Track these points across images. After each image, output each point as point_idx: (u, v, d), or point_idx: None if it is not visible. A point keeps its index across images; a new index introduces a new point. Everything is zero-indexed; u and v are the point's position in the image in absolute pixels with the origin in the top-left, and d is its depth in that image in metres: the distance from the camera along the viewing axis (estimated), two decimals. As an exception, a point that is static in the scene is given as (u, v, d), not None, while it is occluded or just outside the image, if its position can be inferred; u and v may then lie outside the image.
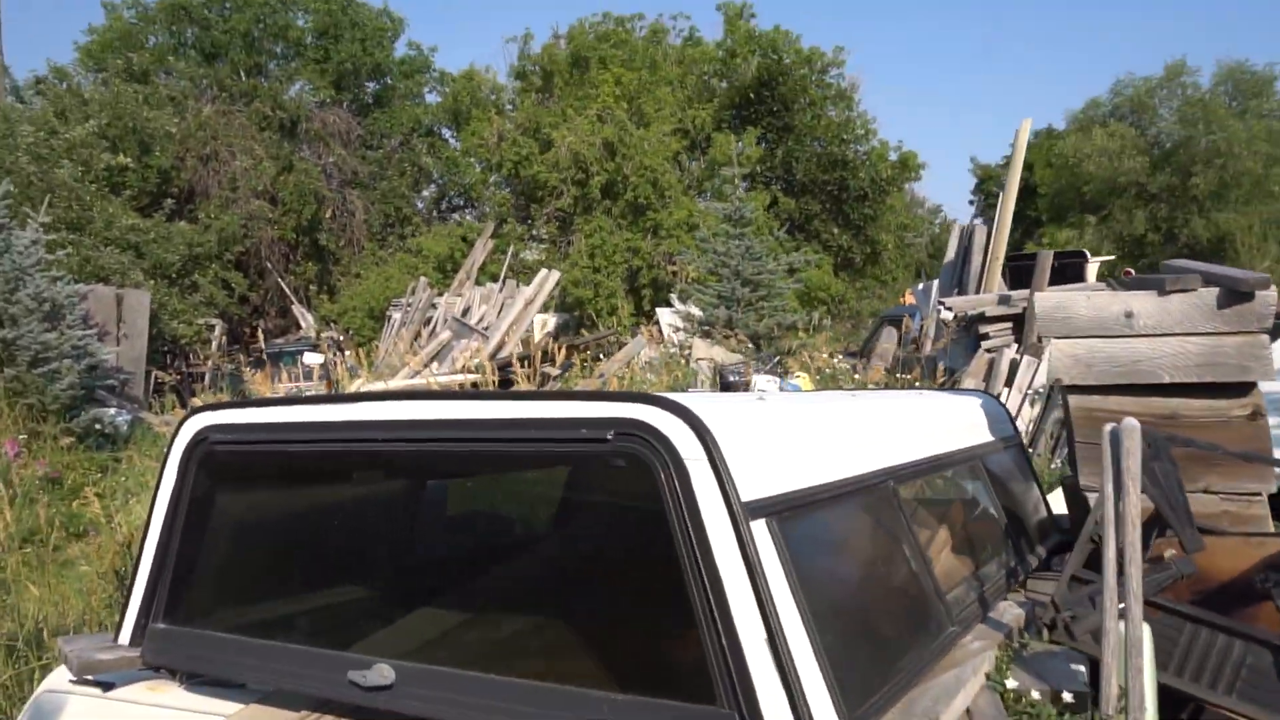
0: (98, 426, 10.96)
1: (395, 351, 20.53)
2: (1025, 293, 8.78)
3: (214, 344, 18.03)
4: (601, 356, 10.05)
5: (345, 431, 2.27)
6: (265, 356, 21.09)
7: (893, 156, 23.55)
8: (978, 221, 10.16)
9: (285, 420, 2.41)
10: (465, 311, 20.67)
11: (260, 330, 26.64)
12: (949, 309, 8.68)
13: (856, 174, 22.29)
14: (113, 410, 11.88)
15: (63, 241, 13.59)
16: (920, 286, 11.80)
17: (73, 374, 10.55)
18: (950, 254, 10.29)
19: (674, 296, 18.62)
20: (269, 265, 25.68)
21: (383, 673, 2.12)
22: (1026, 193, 57.27)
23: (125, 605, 2.68)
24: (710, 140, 20.54)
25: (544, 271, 10.18)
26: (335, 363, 22.34)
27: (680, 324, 14.62)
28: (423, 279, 20.86)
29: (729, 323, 13.55)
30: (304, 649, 2.30)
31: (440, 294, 21.06)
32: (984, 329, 8.26)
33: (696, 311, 15.17)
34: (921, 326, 11.53)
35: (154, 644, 2.58)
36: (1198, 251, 43.36)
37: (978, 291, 9.52)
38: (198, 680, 2.59)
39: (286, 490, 2.63)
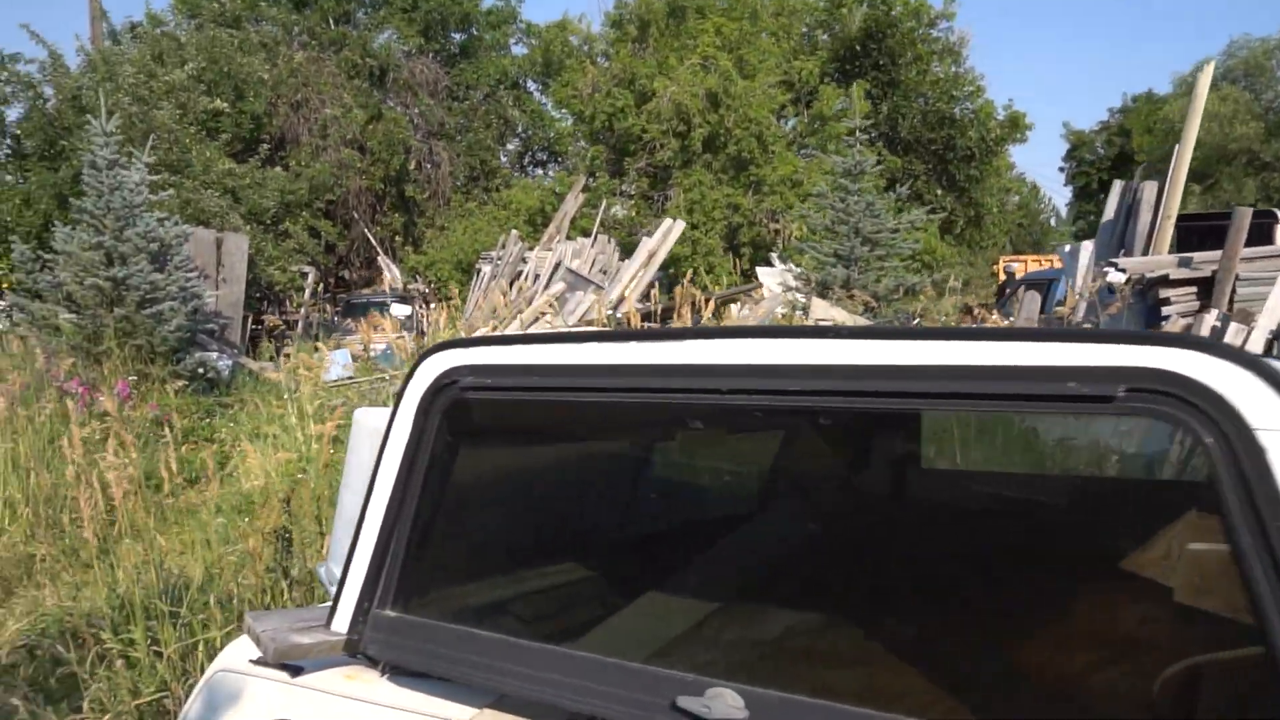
0: (201, 371, 10.72)
1: (486, 304, 20.23)
2: (1211, 255, 7.97)
3: (307, 292, 17.83)
4: (709, 316, 9.47)
5: (669, 378, 1.71)
6: (350, 305, 20.99)
7: (999, 115, 22.41)
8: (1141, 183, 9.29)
9: (578, 362, 1.86)
10: (557, 265, 20.24)
11: (346, 280, 26.62)
12: (1121, 270, 7.89)
13: (965, 133, 21.20)
14: (214, 354, 11.67)
15: (164, 183, 13.37)
16: (1068, 248, 10.96)
17: (180, 316, 10.30)
18: (1110, 213, 9.45)
19: (774, 255, 17.93)
20: (355, 215, 25.50)
21: (729, 701, 1.58)
22: (1122, 160, 55.04)
23: (341, 584, 2.19)
24: (815, 94, 19.66)
25: (668, 221, 9.60)
26: (422, 314, 22.21)
27: (785, 283, 13.96)
28: (514, 232, 20.43)
29: (846, 282, 12.87)
30: (594, 658, 1.78)
31: (530, 247, 20.64)
32: (1165, 293, 7.49)
33: (797, 271, 14.51)
34: (1066, 291, 10.72)
35: (379, 634, 2.09)
36: (1312, 224, 41.12)
37: (1145, 253, 8.71)
38: (401, 670, 2.11)
39: (567, 450, 2.08)
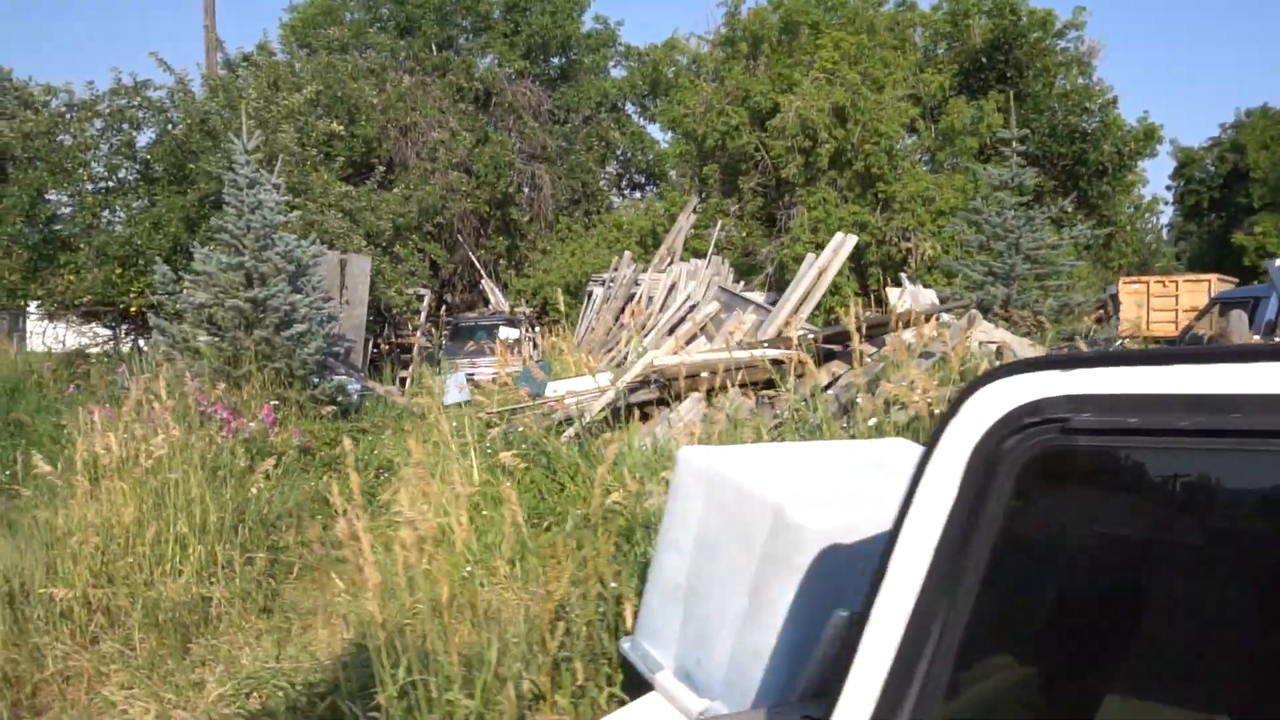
0: (339, 396, 10.34)
1: (599, 326, 19.74)
2: None
3: (423, 314, 17.54)
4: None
5: None
6: (458, 329, 20.68)
7: (1131, 127, 21.20)
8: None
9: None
10: (672, 288, 19.65)
11: (449, 304, 26.44)
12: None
13: (1099, 146, 20.07)
14: (346, 377, 11.30)
15: (291, 205, 13.17)
16: (1278, 264, 9.95)
17: (318, 339, 9.93)
18: (1339, 222, 8.46)
19: (904, 275, 17.07)
20: (460, 239, 25.35)
21: None
22: (1236, 177, 52.70)
23: (840, 680, 1.52)
24: (941, 108, 18.79)
25: (840, 236, 8.90)
26: (530, 338, 21.82)
27: (934, 304, 13.11)
28: (626, 253, 19.93)
29: (1006, 302, 12.00)
30: None
31: (643, 269, 20.11)
32: None
33: (948, 293, 13.58)
34: (1278, 309, 9.70)
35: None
36: None
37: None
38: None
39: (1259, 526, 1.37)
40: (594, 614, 2.87)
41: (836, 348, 7.89)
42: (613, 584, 2.88)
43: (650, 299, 19.67)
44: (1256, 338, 8.88)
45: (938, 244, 16.34)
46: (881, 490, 2.51)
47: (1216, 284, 27.09)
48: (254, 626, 5.03)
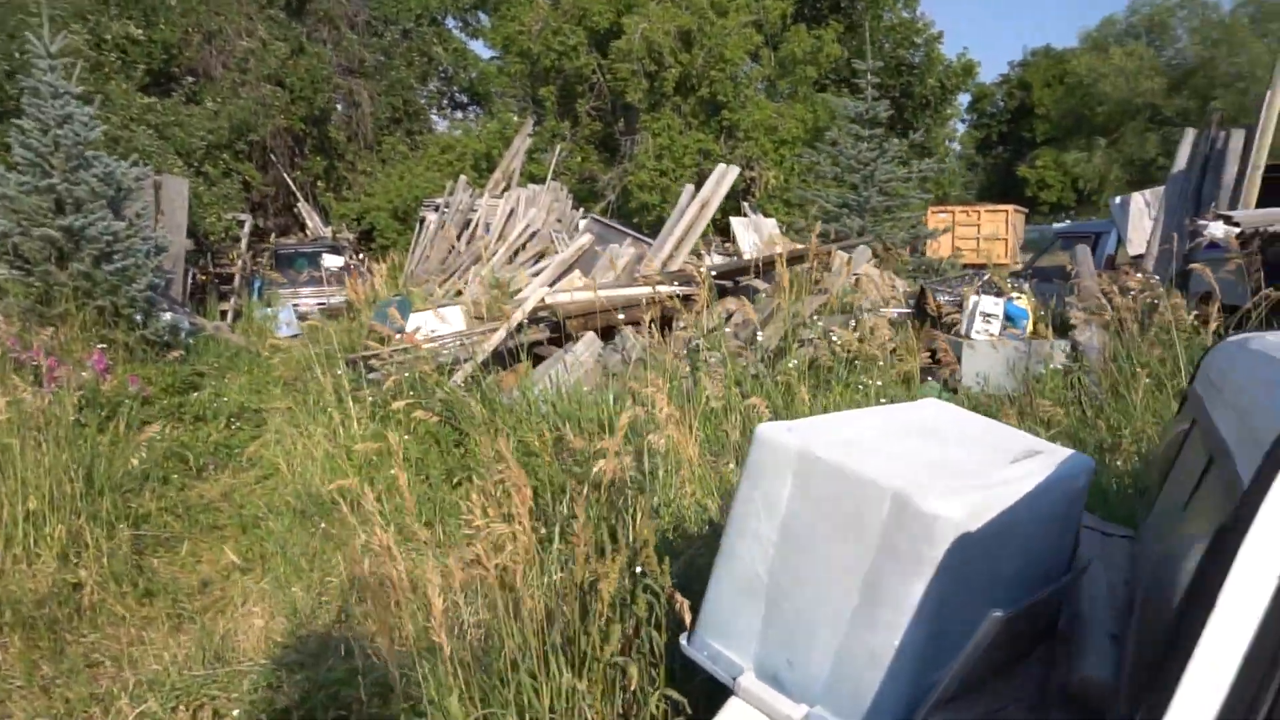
0: (173, 335, 9.30)
1: (434, 254, 18.84)
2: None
3: (243, 242, 16.14)
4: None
5: None
6: (278, 256, 19.23)
7: (950, 60, 22.00)
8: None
9: None
10: (511, 214, 18.98)
11: (261, 229, 24.57)
12: (1235, 224, 7.37)
13: (924, 80, 20.72)
14: (177, 315, 10.21)
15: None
16: (1118, 200, 10.48)
17: (148, 273, 8.84)
18: (1181, 163, 8.95)
19: (746, 205, 17.15)
20: (273, 158, 23.47)
21: None
22: (1022, 113, 56.18)
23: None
24: (781, 36, 18.77)
25: (721, 167, 8.65)
26: (354, 266, 20.61)
27: (773, 235, 13.20)
28: (461, 178, 19.05)
29: (860, 232, 12.19)
30: None
31: (479, 195, 19.30)
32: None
33: (768, 222, 13.72)
34: (1117, 245, 10.26)
35: None
36: (1208, 178, 42.70)
37: (1234, 206, 8.28)
38: None
39: None
40: (644, 610, 2.53)
41: (728, 283, 7.70)
42: (660, 575, 2.55)
43: (488, 226, 18.94)
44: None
45: (780, 173, 16.44)
46: (987, 469, 2.30)
47: (1013, 214, 28.95)
48: (137, 615, 4.38)
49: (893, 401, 6.92)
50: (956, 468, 2.28)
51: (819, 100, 18.40)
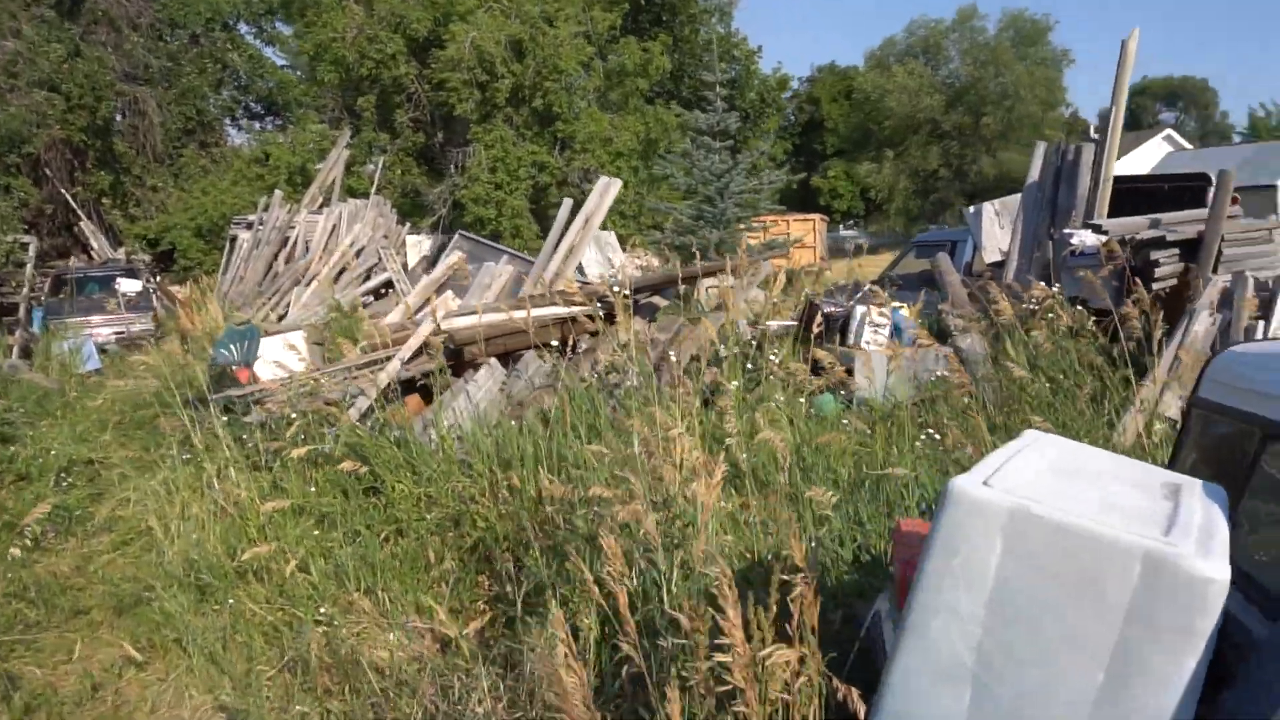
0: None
1: (249, 275, 17.40)
2: (1186, 215, 8.05)
3: (29, 266, 14.31)
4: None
5: None
6: (59, 281, 17.23)
7: (766, 74, 22.61)
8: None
9: None
10: (333, 230, 17.84)
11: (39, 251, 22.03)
12: (1104, 232, 7.73)
13: (744, 93, 21.16)
14: (-29, 356, 8.81)
15: None
16: (971, 210, 10.87)
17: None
18: (1034, 174, 9.36)
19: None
20: (49, 172, 21.13)
21: None
22: (812, 127, 59.03)
23: None
24: (610, 47, 18.62)
25: (604, 180, 8.27)
26: (156, 291, 18.80)
27: (603, 256, 13.00)
28: (277, 193, 17.77)
29: (719, 245, 12.14)
30: None
31: (297, 211, 18.04)
32: (1156, 255, 7.44)
33: (608, 235, 13.54)
34: (974, 254, 10.65)
35: None
36: (982, 188, 46.21)
37: (1089, 215, 8.72)
38: None
39: None
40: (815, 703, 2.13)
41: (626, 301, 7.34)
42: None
43: (309, 244, 17.74)
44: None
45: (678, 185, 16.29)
46: (1175, 513, 2.07)
47: (819, 222, 30.21)
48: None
49: (813, 416, 6.79)
50: (1150, 514, 2.04)
51: (650, 112, 18.39)
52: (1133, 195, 9.05)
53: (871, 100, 46.34)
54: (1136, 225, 7.77)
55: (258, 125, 29.84)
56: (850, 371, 8.07)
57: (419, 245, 18.60)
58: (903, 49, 48.56)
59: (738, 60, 21.70)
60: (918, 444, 5.47)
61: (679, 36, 20.56)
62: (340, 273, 16.93)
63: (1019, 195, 10.95)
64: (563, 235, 8.51)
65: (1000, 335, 8.37)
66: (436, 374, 6.17)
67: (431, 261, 18.82)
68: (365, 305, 15.89)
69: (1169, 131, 55.07)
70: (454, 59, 15.95)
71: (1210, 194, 9.23)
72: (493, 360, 6.63)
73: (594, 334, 7.08)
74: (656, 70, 18.39)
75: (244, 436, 6.04)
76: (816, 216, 31.08)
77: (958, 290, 9.04)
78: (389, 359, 6.86)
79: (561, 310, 6.69)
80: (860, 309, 8.30)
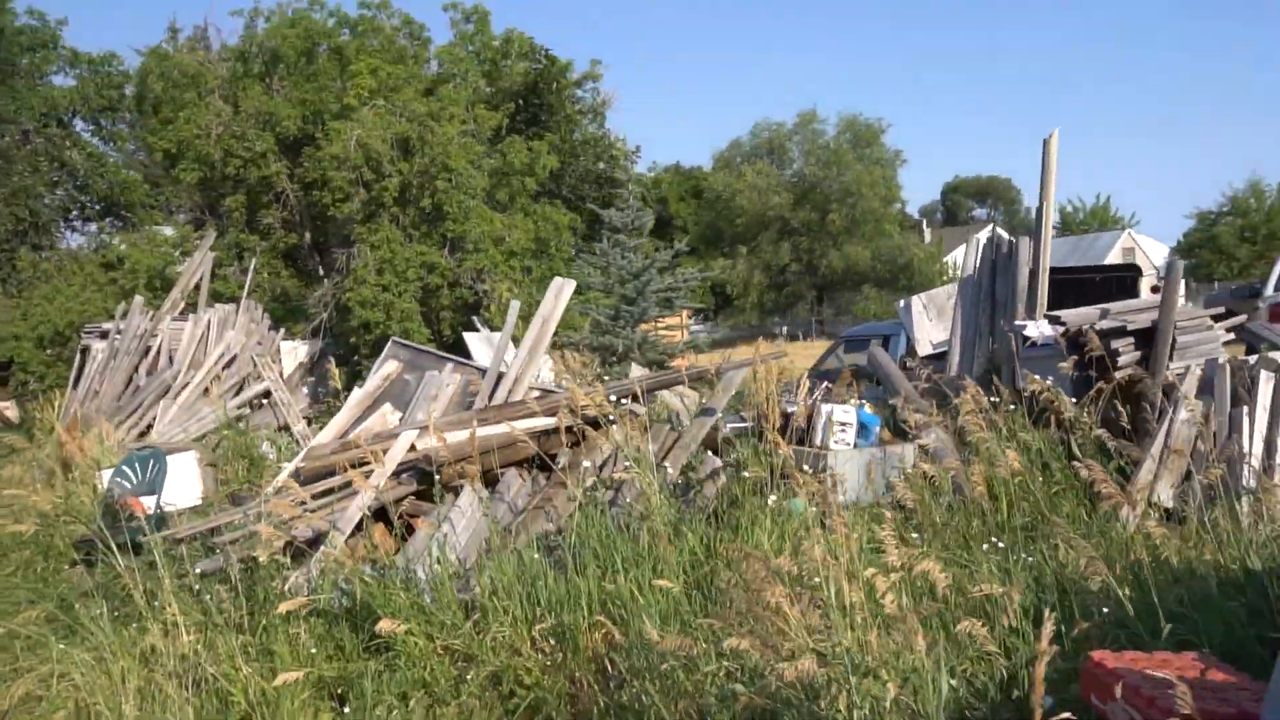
0: None
1: (107, 389, 15.79)
2: (1133, 304, 8.24)
3: None
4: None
5: None
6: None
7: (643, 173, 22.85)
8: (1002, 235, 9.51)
9: None
10: (202, 338, 16.51)
11: None
12: (1061, 323, 7.82)
13: (620, 194, 21.26)
14: None
15: None
16: (902, 303, 10.95)
17: None
18: (969, 268, 9.51)
19: (477, 320, 16.29)
20: None
21: None
22: (660, 225, 60.52)
23: None
24: (495, 146, 18.30)
25: (558, 280, 7.81)
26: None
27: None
28: (137, 298, 16.41)
29: (641, 343, 11.79)
30: None
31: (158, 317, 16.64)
32: (1115, 344, 7.55)
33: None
34: (906, 347, 10.69)
35: None
36: (832, 280, 48.17)
37: (1031, 307, 8.86)
38: None
39: None
40: None
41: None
42: None
43: (173, 353, 16.34)
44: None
45: (514, 286, 15.81)
46: None
47: (686, 316, 30.60)
48: None
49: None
50: None
51: (539, 211, 18.12)
52: (1066, 286, 9.31)
53: (723, 199, 47.98)
54: (1089, 316, 7.90)
55: (92, 227, 27.86)
56: (821, 474, 7.77)
57: (294, 352, 17.49)
58: (749, 150, 50.73)
59: (617, 161, 21.80)
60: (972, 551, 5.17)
61: (559, 137, 20.51)
62: (211, 384, 15.64)
63: (943, 288, 11.19)
64: (511, 339, 7.97)
65: (965, 430, 8.28)
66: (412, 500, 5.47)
67: (309, 369, 17.73)
68: (240, 419, 14.68)
69: (994, 227, 59.46)
70: (339, 157, 15.23)
71: (1140, 284, 9.65)
72: (467, 485, 5.96)
73: (574, 446, 6.53)
74: (544, 169, 18.16)
75: (196, 586, 5.13)
76: (685, 310, 31.60)
77: (907, 385, 8.97)
78: (347, 485, 6.08)
79: (547, 422, 6.12)
80: (825, 408, 8.07)
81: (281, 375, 16.68)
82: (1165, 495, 6.47)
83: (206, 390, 15.70)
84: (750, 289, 46.59)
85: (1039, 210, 9.15)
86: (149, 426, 14.84)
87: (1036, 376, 6.46)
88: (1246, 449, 6.27)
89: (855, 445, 8.01)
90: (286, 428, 15.27)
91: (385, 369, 8.17)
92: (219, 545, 5.55)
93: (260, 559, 5.01)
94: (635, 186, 18.50)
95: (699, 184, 54.40)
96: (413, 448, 5.87)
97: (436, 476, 5.74)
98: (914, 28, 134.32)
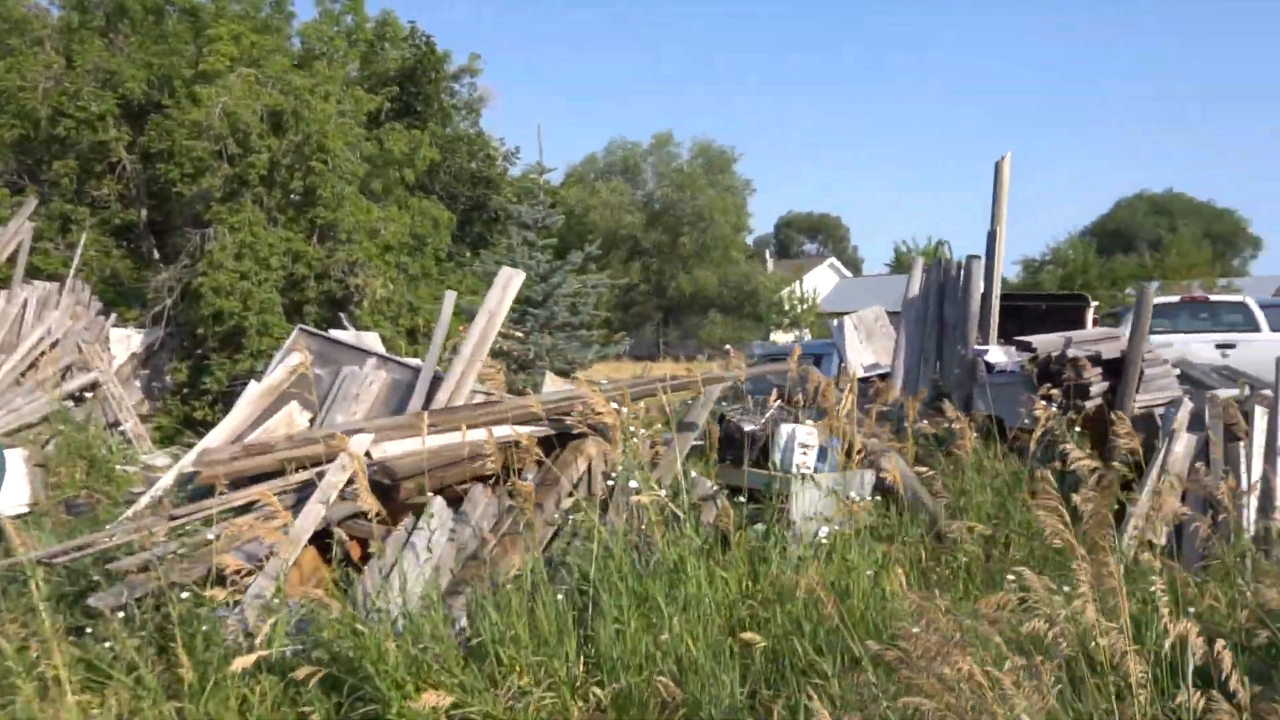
0: None
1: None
2: (1096, 334, 8.02)
3: None
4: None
5: None
6: None
7: (513, 171, 21.83)
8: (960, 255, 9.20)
9: None
10: (19, 319, 14.32)
11: None
12: (1031, 349, 7.51)
13: (500, 192, 20.21)
14: None
15: None
16: (835, 323, 10.47)
17: None
18: (914, 290, 9.12)
19: (344, 317, 14.90)
20: None
21: None
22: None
23: None
24: (373, 132, 16.86)
25: (505, 270, 6.82)
26: None
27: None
28: (-62, 272, 14.05)
29: (551, 350, 10.84)
30: None
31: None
32: (1087, 375, 7.27)
33: (370, 336, 11.92)
34: (839, 367, 10.22)
35: None
36: (679, 303, 48.25)
37: (984, 333, 8.53)
38: None
39: None
40: None
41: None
42: None
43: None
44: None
45: (388, 282, 14.54)
46: None
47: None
48: None
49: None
50: None
51: (415, 204, 16.85)
52: (1009, 312, 9.10)
53: (576, 215, 47.29)
54: (1054, 343, 7.64)
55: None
56: (778, 496, 7.10)
57: (126, 340, 15.56)
58: (603, 166, 50.32)
59: (492, 160, 20.70)
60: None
61: (434, 130, 19.23)
62: (28, 370, 13.54)
63: (870, 310, 10.84)
64: (448, 335, 6.94)
65: (927, 454, 7.88)
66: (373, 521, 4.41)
67: (144, 360, 15.74)
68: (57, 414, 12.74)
69: (832, 260, 61.43)
70: (200, 124, 13.54)
71: (1087, 314, 9.57)
72: (437, 500, 4.94)
73: (540, 462, 5.58)
74: (424, 160, 16.92)
75: (82, 627, 3.90)
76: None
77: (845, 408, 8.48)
78: (251, 502, 4.92)
79: (523, 430, 5.17)
80: (786, 428, 7.43)
81: (111, 365, 14.76)
82: (1159, 532, 6.19)
83: (19, 379, 13.61)
84: (600, 305, 46.02)
85: (990, 234, 8.89)
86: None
87: (1039, 403, 6.06)
88: (1244, 484, 6.06)
89: (814, 469, 7.42)
90: (116, 424, 13.44)
91: (290, 360, 6.94)
92: (117, 572, 4.29)
93: (182, 593, 3.84)
94: (534, 184, 17.41)
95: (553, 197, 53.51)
96: (368, 455, 4.80)
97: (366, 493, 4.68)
98: (759, 58, 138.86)
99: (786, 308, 47.04)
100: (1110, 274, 40.50)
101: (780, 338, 40.52)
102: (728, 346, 15.64)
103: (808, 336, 38.73)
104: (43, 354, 13.87)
